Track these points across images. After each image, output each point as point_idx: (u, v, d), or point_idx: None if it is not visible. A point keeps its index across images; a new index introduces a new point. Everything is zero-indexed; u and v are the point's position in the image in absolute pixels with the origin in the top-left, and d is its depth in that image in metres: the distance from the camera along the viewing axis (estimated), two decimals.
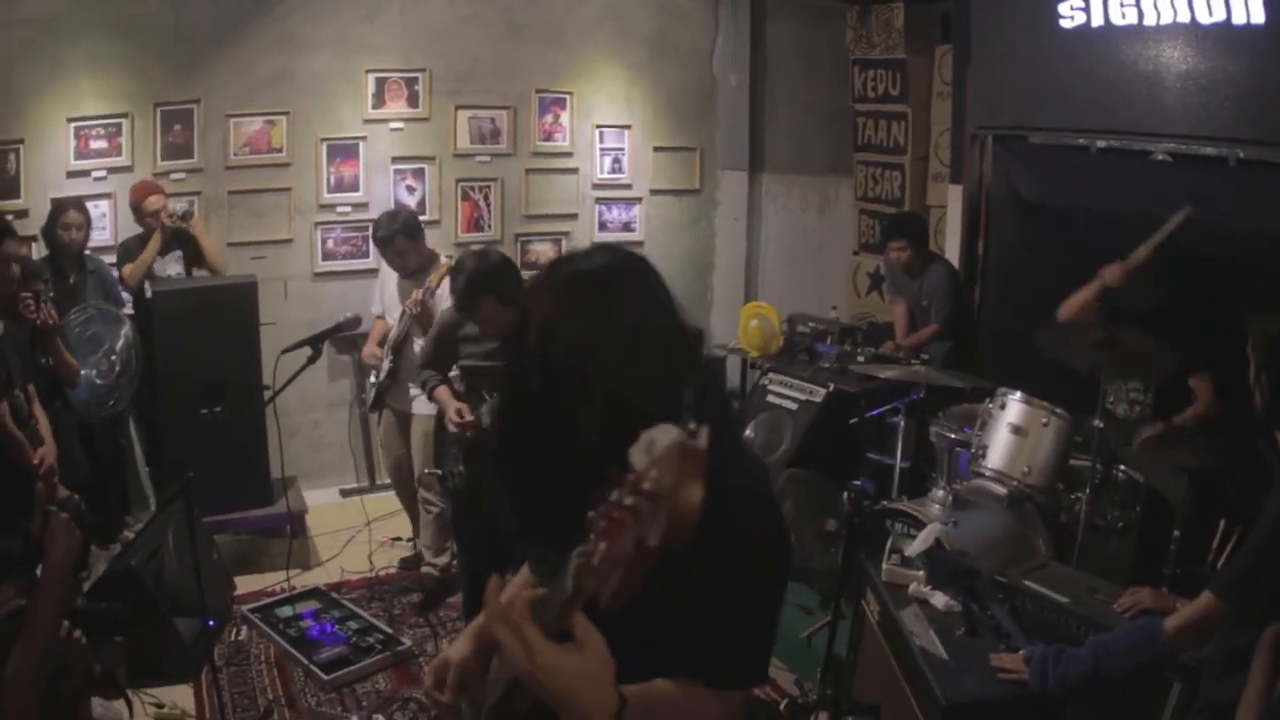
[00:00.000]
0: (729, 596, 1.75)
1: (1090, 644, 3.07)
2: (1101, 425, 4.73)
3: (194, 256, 6.60)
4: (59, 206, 6.00)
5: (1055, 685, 3.01)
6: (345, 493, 7.62)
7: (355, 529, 6.80)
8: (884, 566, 3.79)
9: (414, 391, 5.81)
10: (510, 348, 1.84)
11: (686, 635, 1.74)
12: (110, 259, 6.47)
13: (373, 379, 6.13)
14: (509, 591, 1.76)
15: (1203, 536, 4.32)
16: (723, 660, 1.78)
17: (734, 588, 1.75)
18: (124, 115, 6.78)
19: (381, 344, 6.06)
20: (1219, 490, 4.47)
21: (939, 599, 3.54)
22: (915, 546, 3.84)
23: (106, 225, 6.77)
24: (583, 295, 1.78)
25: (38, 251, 6.04)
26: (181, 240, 6.52)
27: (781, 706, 3.17)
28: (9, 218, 5.40)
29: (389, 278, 6.07)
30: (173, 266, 6.51)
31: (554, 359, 1.73)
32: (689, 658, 1.75)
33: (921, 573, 3.69)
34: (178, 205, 6.47)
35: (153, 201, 6.39)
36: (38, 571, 2.85)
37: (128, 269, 6.34)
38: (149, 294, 6.32)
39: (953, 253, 7.05)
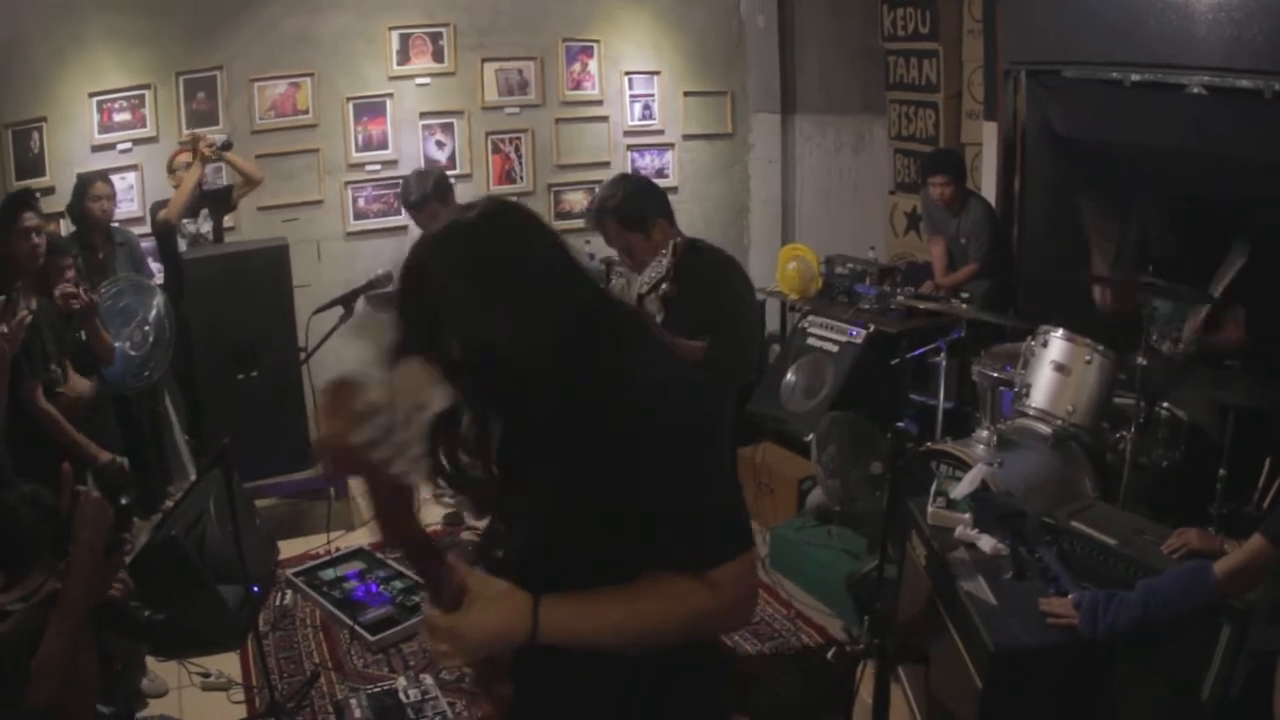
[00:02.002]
0: (658, 473, 1.80)
1: (1140, 588, 3.05)
2: (1145, 363, 4.70)
3: (221, 215, 6.64)
4: (86, 180, 5.97)
5: (1105, 630, 3.00)
6: None
7: None
8: (929, 509, 3.75)
9: None
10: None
11: (641, 533, 1.80)
12: (140, 230, 6.48)
13: None
14: None
15: (1248, 475, 4.29)
16: (684, 540, 1.82)
17: (659, 463, 1.80)
18: (146, 86, 6.80)
19: None
20: (1264, 429, 4.43)
21: (986, 542, 3.50)
22: (961, 488, 3.80)
23: (134, 197, 6.81)
24: (449, 244, 1.85)
25: (65, 229, 6.02)
26: (210, 200, 6.54)
27: (829, 654, 3.15)
28: (35, 193, 5.42)
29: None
30: (203, 224, 6.53)
31: (422, 306, 1.82)
32: (652, 556, 1.82)
33: (968, 515, 3.66)
34: (216, 136, 6.45)
35: (182, 158, 6.41)
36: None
37: (164, 212, 6.31)
38: (182, 246, 6.35)
39: (989, 190, 6.95)
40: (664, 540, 1.81)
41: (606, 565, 1.83)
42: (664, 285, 4.01)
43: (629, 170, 8.13)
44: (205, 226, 6.54)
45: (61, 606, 2.71)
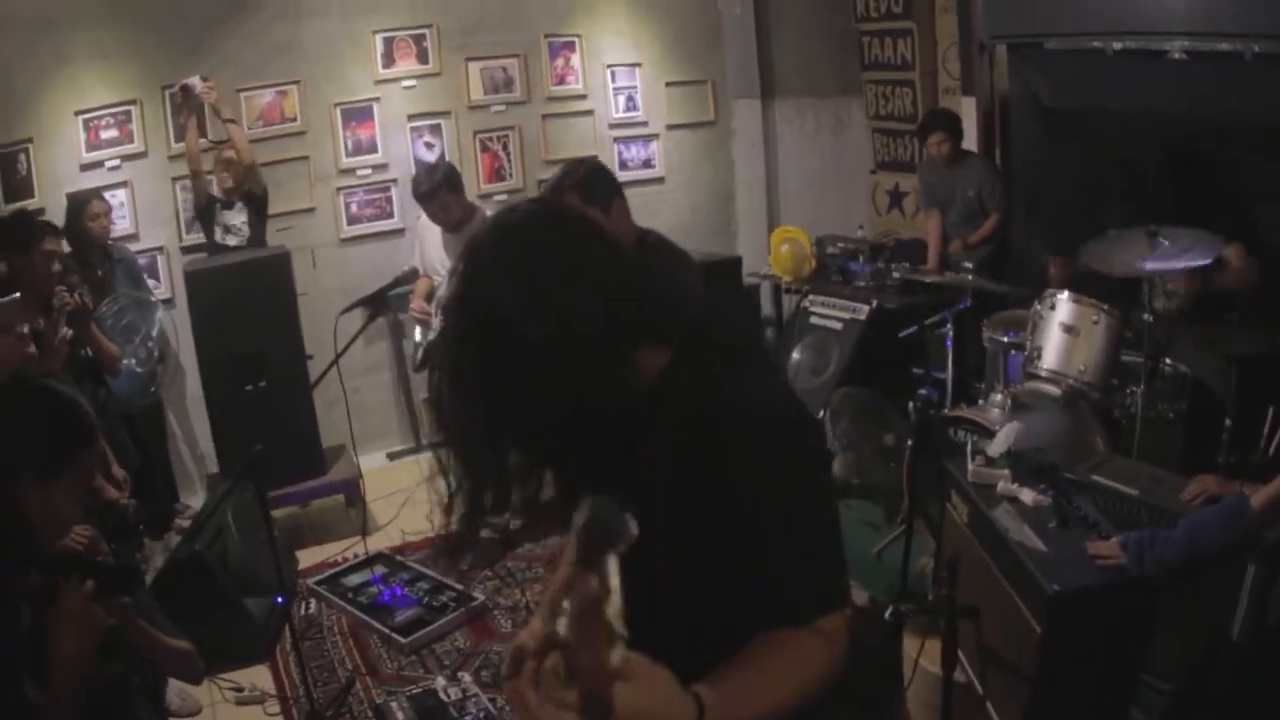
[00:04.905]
0: (772, 524, 1.66)
1: (1183, 525, 3.17)
2: (1152, 319, 4.83)
3: (258, 210, 6.60)
4: (81, 199, 5.96)
5: (1153, 567, 3.10)
6: (392, 455, 7.69)
7: (408, 490, 6.77)
8: (970, 468, 3.86)
9: None
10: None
11: (750, 582, 1.65)
12: (135, 246, 6.48)
13: (418, 337, 6.17)
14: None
15: (1253, 424, 4.39)
16: (795, 590, 1.66)
17: (773, 512, 1.66)
18: (132, 102, 6.76)
19: (428, 299, 6.08)
20: (1266, 378, 4.55)
21: (1027, 495, 3.61)
22: (998, 445, 3.91)
23: (126, 214, 6.76)
24: (505, 248, 1.67)
25: None
26: (244, 194, 6.51)
27: (886, 615, 3.24)
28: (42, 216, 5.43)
29: (428, 233, 6.04)
30: (237, 216, 6.51)
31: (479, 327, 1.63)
32: (762, 605, 1.66)
33: (1007, 471, 3.78)
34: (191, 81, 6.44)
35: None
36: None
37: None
38: (218, 235, 6.41)
39: None
40: (770, 586, 1.66)
41: (703, 627, 1.62)
42: None
43: (616, 161, 8.21)
44: (239, 219, 6.51)
45: (52, 697, 2.32)
